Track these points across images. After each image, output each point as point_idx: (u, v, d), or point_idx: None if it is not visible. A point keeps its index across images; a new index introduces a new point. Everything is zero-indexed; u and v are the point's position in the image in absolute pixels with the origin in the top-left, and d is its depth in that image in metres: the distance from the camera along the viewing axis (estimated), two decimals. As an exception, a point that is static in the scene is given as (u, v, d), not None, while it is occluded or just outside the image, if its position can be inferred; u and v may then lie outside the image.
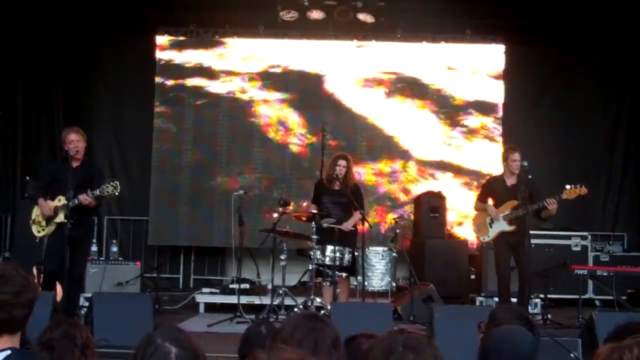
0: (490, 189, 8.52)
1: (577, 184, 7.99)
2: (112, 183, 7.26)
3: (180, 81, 11.24)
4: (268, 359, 1.98)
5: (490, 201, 8.43)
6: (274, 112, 11.21)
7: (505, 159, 8.37)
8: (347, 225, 8.33)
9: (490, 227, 8.27)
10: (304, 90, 11.24)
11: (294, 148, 11.16)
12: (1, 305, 2.87)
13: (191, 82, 11.24)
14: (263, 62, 11.25)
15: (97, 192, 7.22)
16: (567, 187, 7.98)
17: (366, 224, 8.46)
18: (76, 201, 7.22)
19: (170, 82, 11.24)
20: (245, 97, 11.23)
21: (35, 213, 7.57)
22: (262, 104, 11.22)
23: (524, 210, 7.97)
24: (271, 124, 11.21)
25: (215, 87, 11.24)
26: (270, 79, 11.24)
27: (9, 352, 2.85)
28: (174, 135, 11.20)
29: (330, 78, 11.22)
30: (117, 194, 7.38)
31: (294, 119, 11.21)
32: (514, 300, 8.10)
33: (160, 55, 11.23)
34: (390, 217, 10.03)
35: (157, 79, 11.21)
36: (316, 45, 11.24)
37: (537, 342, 3.30)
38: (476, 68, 11.16)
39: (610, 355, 2.35)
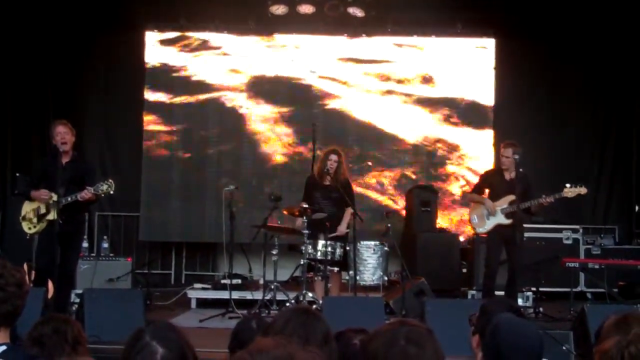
0: (487, 181, 8.54)
1: (577, 184, 8.00)
2: (106, 182, 7.24)
3: (170, 77, 11.19)
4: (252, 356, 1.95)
5: (486, 193, 8.44)
6: (264, 107, 11.19)
7: (499, 152, 8.41)
8: (341, 229, 8.35)
9: (487, 219, 8.28)
10: (294, 86, 11.21)
11: (285, 144, 11.14)
12: (8, 297, 2.90)
13: (181, 78, 11.20)
14: (254, 59, 11.22)
15: (92, 190, 7.18)
16: (567, 185, 7.99)
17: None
18: (69, 199, 7.19)
19: (160, 78, 11.20)
20: (235, 92, 11.20)
21: (25, 210, 7.52)
22: (253, 99, 11.20)
23: (520, 205, 7.97)
24: (262, 119, 11.19)
25: (205, 82, 11.20)
26: (260, 76, 11.21)
27: (5, 347, 2.86)
28: (165, 131, 11.17)
29: (322, 76, 11.22)
30: (112, 192, 7.35)
31: (285, 114, 11.20)
32: (498, 293, 8.11)
33: (149, 51, 11.19)
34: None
35: (147, 76, 11.16)
36: (306, 41, 11.24)
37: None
38: (466, 63, 11.17)
39: (617, 349, 2.34)
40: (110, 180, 7.27)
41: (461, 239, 10.37)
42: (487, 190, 8.49)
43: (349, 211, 8.37)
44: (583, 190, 8.01)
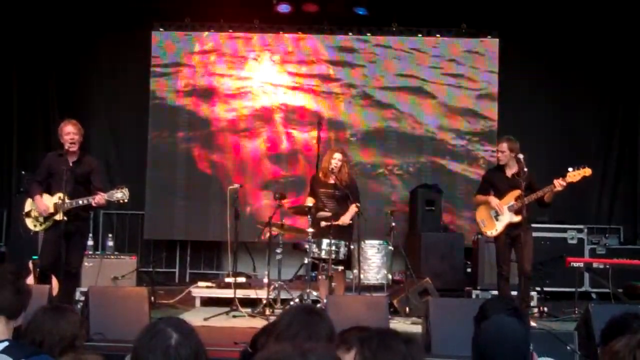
0: (490, 181, 8.34)
1: (580, 166, 7.83)
2: (121, 189, 7.20)
3: (175, 75, 11.24)
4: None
5: (491, 193, 8.30)
6: (270, 104, 11.23)
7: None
8: (344, 220, 8.31)
9: (497, 220, 8.04)
10: (300, 83, 11.24)
11: (290, 142, 11.16)
12: None
13: (186, 76, 11.26)
14: (259, 54, 11.27)
15: (106, 196, 7.18)
16: (570, 169, 7.78)
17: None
18: (80, 202, 7.19)
19: (165, 76, 11.24)
20: (241, 89, 11.23)
21: (30, 206, 7.52)
22: (259, 96, 11.23)
23: (528, 200, 7.86)
24: (267, 117, 11.21)
25: (210, 81, 11.25)
26: (267, 71, 11.26)
27: (7, 343, 2.88)
28: (169, 129, 11.20)
29: (327, 72, 11.25)
30: (125, 201, 7.33)
31: (290, 111, 11.22)
32: (513, 293, 8.06)
33: (155, 49, 11.22)
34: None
35: (153, 73, 11.20)
36: (311, 40, 11.26)
37: (528, 333, 3.28)
38: (471, 61, 11.19)
39: (627, 350, 2.33)
40: (125, 189, 7.23)
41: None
42: (491, 192, 8.34)
43: (353, 206, 8.34)
44: (587, 171, 7.76)
